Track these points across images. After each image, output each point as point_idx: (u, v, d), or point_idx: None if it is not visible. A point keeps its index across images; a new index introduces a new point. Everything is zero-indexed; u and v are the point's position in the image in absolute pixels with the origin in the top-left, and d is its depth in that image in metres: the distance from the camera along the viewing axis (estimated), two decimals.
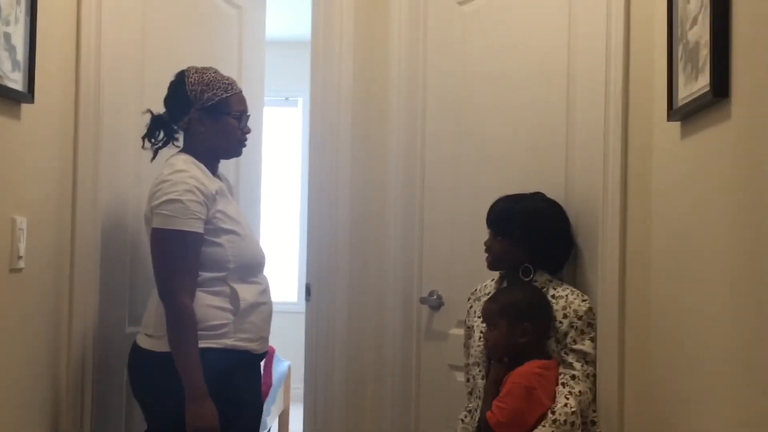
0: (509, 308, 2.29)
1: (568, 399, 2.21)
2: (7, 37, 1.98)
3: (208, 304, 2.30)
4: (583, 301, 2.32)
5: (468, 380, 2.56)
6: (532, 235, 2.40)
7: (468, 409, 2.51)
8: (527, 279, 2.39)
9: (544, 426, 2.17)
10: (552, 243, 2.43)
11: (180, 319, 2.24)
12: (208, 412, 2.21)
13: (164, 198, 2.27)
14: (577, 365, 2.26)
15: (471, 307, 2.58)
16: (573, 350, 2.28)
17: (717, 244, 1.64)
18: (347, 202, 3.13)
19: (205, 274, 2.32)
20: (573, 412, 2.19)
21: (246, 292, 2.36)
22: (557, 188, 2.54)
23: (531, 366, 2.24)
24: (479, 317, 2.47)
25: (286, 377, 5.33)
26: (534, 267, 2.40)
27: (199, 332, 2.26)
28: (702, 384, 1.73)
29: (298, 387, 4.39)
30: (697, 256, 1.78)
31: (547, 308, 2.31)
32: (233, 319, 2.33)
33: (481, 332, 2.43)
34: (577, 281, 2.47)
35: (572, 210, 2.48)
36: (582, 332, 2.29)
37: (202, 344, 2.25)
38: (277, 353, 4.92)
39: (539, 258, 2.41)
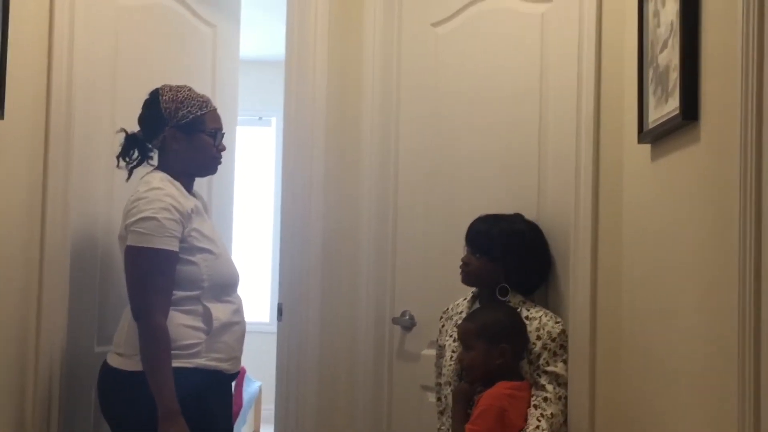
0: (488, 329, 2.28)
1: (540, 421, 2.21)
2: None
3: (181, 323, 2.29)
4: (557, 323, 2.33)
5: (439, 399, 2.55)
6: (510, 256, 2.41)
7: (441, 430, 2.50)
8: (503, 299, 2.39)
9: None
10: (529, 265, 2.44)
11: (154, 338, 2.22)
12: (181, 430, 2.19)
13: (140, 215, 2.26)
14: (549, 387, 2.26)
15: (443, 326, 2.57)
16: (546, 372, 2.28)
17: (687, 263, 1.66)
18: (320, 221, 3.12)
19: (179, 293, 2.30)
20: None
21: (219, 312, 2.35)
22: (530, 207, 2.56)
23: (502, 387, 2.24)
24: (451, 336, 2.47)
25: (257, 398, 5.29)
26: (509, 287, 2.40)
27: (172, 352, 2.23)
28: (674, 401, 1.74)
29: (269, 408, 4.35)
30: (667, 274, 1.79)
31: (523, 330, 2.32)
32: (206, 338, 2.31)
33: (453, 351, 2.43)
34: (548, 301, 2.48)
35: (544, 230, 2.50)
36: (555, 354, 2.30)
37: (174, 363, 2.23)
38: (249, 374, 4.88)
39: (515, 278, 2.42)
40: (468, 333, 2.32)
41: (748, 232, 1.33)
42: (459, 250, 2.50)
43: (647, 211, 1.98)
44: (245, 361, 2.54)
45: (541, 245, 2.48)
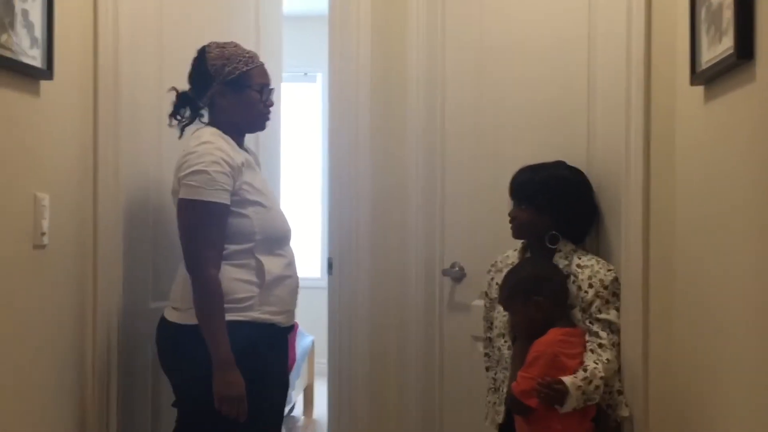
0: (516, 288, 2.30)
1: (597, 364, 2.22)
2: (24, 13, 1.98)
3: (233, 277, 2.31)
4: (609, 270, 2.32)
5: (487, 354, 2.56)
6: (556, 203, 2.39)
7: (493, 386, 2.50)
8: (553, 247, 2.38)
9: (575, 376, 2.18)
10: (575, 210, 2.43)
11: (207, 291, 2.25)
12: (236, 380, 2.23)
13: (191, 169, 2.29)
14: (603, 334, 2.26)
15: (492, 279, 2.57)
16: (598, 320, 2.28)
17: (741, 208, 1.62)
18: (368, 176, 3.12)
19: (232, 247, 2.33)
20: (601, 377, 2.20)
21: (272, 265, 2.37)
22: (579, 156, 2.52)
23: (554, 334, 2.24)
24: None
25: (310, 352, 5.36)
26: (561, 235, 2.39)
27: (225, 305, 2.27)
28: (727, 351, 1.72)
29: (322, 362, 4.42)
30: (721, 220, 1.75)
31: (554, 277, 2.31)
32: (259, 292, 2.34)
33: None
34: (599, 250, 2.46)
35: (594, 178, 2.47)
36: (607, 302, 2.29)
37: (228, 317, 2.26)
38: (301, 328, 4.94)
39: (563, 226, 2.40)
40: (503, 299, 2.35)
41: None
42: (506, 201, 2.48)
43: (701, 155, 1.93)
44: (297, 316, 2.57)
45: (587, 190, 2.45)
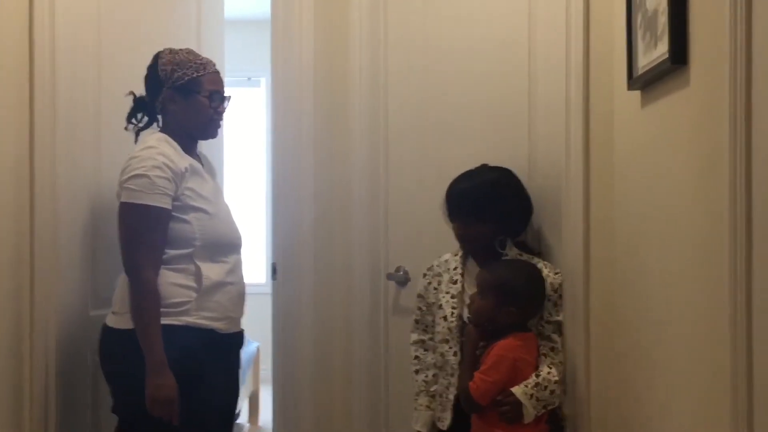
0: (502, 287, 2.26)
1: (551, 368, 2.24)
2: None
3: (171, 282, 2.30)
4: (556, 274, 2.34)
5: (417, 358, 2.55)
6: (495, 209, 2.39)
7: (425, 389, 2.48)
8: (502, 252, 2.38)
9: (526, 386, 2.19)
10: (514, 209, 2.43)
11: (142, 293, 2.25)
12: (166, 383, 2.21)
13: (132, 173, 2.29)
14: (555, 337, 2.30)
15: (429, 283, 2.54)
16: (549, 322, 2.32)
17: (677, 208, 1.66)
18: (311, 180, 3.11)
19: (172, 252, 2.32)
20: (555, 381, 2.23)
21: (211, 271, 2.35)
22: (521, 158, 2.55)
23: (514, 339, 2.25)
24: (447, 293, 2.45)
25: (255, 358, 5.32)
26: (505, 237, 2.40)
27: (162, 309, 2.26)
28: (667, 346, 1.75)
29: (267, 368, 4.38)
30: (659, 220, 1.79)
31: (539, 297, 2.30)
32: (196, 297, 2.33)
33: (453, 308, 2.41)
34: (541, 252, 2.48)
35: (536, 180, 2.49)
36: (556, 304, 2.33)
37: (164, 321, 2.25)
38: (246, 334, 4.89)
39: (505, 228, 2.41)
40: (485, 283, 2.29)
41: (738, 175, 1.33)
42: None
43: (638, 157, 1.97)
44: (242, 323, 2.54)
45: (519, 186, 2.46)
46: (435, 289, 2.50)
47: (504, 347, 2.23)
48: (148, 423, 2.23)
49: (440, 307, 2.46)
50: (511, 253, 2.40)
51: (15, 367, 2.28)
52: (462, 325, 2.39)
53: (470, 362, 2.28)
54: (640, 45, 1.87)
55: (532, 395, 2.18)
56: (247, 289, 2.55)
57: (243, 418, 5.34)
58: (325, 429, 3.12)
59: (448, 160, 2.75)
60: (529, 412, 2.18)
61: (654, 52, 1.75)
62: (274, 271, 3.17)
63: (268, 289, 3.31)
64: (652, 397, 1.86)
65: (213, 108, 2.46)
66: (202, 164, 2.50)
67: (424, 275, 2.58)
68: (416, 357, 2.56)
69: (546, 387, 2.21)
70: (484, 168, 2.47)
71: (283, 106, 3.14)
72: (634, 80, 1.92)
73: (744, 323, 1.32)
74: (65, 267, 2.50)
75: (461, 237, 2.45)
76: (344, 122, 3.10)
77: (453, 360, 2.38)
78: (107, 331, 2.35)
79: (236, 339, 2.50)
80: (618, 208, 2.14)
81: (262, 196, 6.58)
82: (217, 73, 2.51)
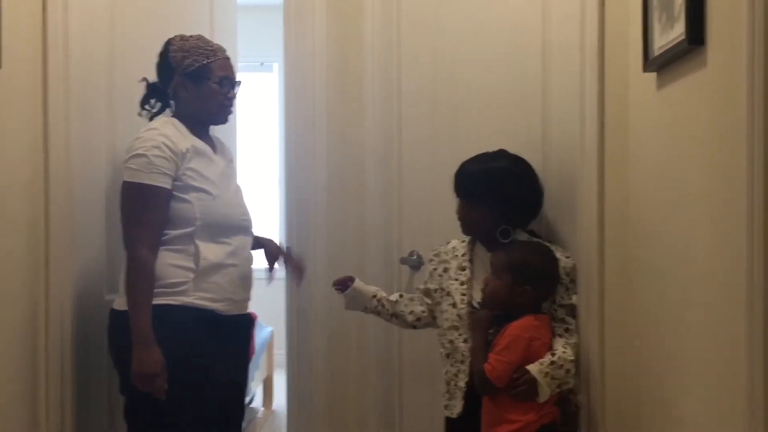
0: (517, 267, 2.27)
1: (566, 348, 2.24)
2: None
3: (169, 262, 2.32)
4: (567, 257, 2.35)
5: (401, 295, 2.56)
6: (503, 196, 2.38)
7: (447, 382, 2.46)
8: (505, 241, 2.37)
9: (542, 364, 2.19)
10: (522, 199, 2.42)
11: (135, 269, 2.27)
12: (151, 358, 2.22)
13: (132, 153, 2.32)
14: (569, 319, 2.32)
15: (435, 269, 2.53)
16: (563, 305, 2.33)
17: (695, 191, 1.65)
18: (324, 164, 3.10)
19: (173, 232, 2.33)
20: (571, 360, 2.23)
21: (210, 252, 2.36)
22: (534, 141, 2.54)
23: (529, 319, 2.25)
24: (456, 279, 2.44)
25: (269, 343, 5.34)
26: (511, 226, 2.39)
27: (159, 290, 2.28)
28: (682, 334, 1.74)
29: (281, 353, 4.39)
30: (675, 203, 1.78)
31: (554, 276, 2.31)
32: (193, 277, 2.33)
33: (462, 294, 2.41)
34: (553, 236, 2.48)
35: (550, 164, 2.48)
36: (568, 288, 2.34)
37: (160, 301, 2.28)
38: (260, 319, 4.91)
39: (512, 217, 2.40)
40: (501, 264, 2.30)
41: (756, 157, 1.31)
42: None
43: (654, 140, 1.95)
44: (255, 307, 2.55)
45: (531, 177, 2.45)
46: (440, 276, 2.49)
47: (519, 327, 2.24)
48: (151, 401, 2.24)
49: (448, 293, 2.45)
50: (520, 239, 2.39)
51: (31, 352, 2.30)
52: (472, 312, 2.39)
53: (482, 346, 2.28)
54: (656, 26, 1.85)
55: (547, 373, 2.18)
56: (261, 274, 2.55)
57: (257, 403, 5.37)
58: (339, 413, 3.13)
59: (461, 143, 2.75)
60: (544, 391, 2.17)
61: (670, 33, 1.73)
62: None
63: (282, 274, 3.31)
64: (668, 380, 1.85)
65: (223, 94, 2.47)
66: (215, 147, 2.49)
67: (430, 261, 2.56)
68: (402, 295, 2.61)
69: (561, 366, 2.21)
70: (500, 153, 2.45)
71: (296, 90, 3.13)
72: (650, 62, 1.90)
73: (762, 306, 1.31)
74: (80, 251, 2.51)
75: (460, 216, 2.45)
76: (357, 106, 3.09)
77: (463, 347, 2.37)
78: (113, 314, 2.37)
79: (243, 321, 2.50)
80: (633, 191, 2.13)
81: (275, 181, 6.59)
82: (228, 58, 2.51)
